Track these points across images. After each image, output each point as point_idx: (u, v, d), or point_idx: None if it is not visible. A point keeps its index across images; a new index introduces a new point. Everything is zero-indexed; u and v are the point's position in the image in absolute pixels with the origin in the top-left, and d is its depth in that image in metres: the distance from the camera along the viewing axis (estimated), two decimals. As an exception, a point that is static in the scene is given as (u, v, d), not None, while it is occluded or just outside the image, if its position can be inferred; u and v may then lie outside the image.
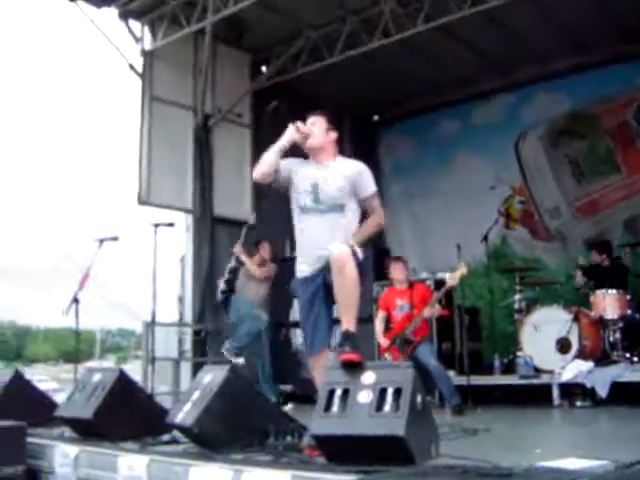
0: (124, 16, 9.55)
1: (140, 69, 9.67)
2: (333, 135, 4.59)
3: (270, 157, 4.44)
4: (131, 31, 9.70)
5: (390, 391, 3.45)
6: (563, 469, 3.18)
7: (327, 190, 4.39)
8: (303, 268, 4.44)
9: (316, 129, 4.53)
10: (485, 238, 9.09)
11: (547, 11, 9.38)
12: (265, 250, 8.93)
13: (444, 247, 9.69)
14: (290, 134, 4.49)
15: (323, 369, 4.21)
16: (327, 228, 4.32)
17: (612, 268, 8.65)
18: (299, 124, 4.50)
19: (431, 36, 9.52)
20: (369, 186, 4.46)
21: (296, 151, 4.58)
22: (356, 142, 12.01)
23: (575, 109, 10.87)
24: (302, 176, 4.48)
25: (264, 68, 10.89)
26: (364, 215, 4.55)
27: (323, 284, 4.24)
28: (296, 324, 9.91)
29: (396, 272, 7.94)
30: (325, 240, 4.22)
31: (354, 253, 4.02)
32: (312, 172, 4.48)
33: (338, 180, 4.40)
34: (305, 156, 4.61)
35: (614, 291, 8.12)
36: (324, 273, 4.17)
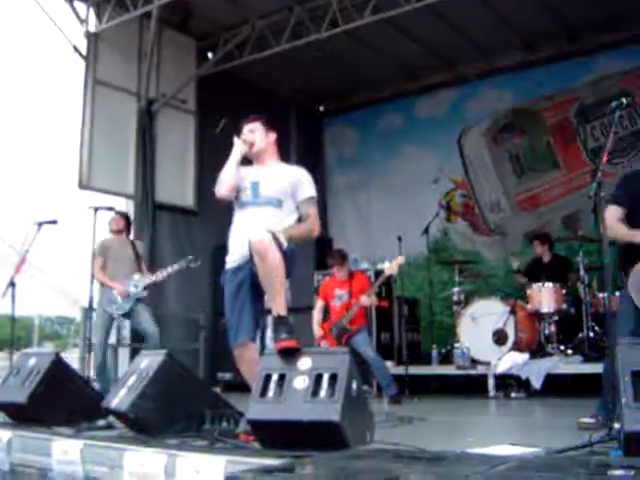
0: (69, -3, 9.39)
1: (84, 51, 9.52)
2: (272, 136, 4.67)
3: (230, 173, 4.47)
4: (76, 12, 9.53)
5: (326, 377, 3.47)
6: (493, 455, 3.25)
7: (267, 186, 4.44)
8: (231, 259, 4.47)
9: (257, 136, 4.60)
10: (426, 230, 9.22)
11: (493, 7, 9.51)
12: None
13: (386, 238, 9.76)
14: (240, 148, 4.54)
15: (249, 362, 4.28)
16: (261, 218, 4.31)
17: (553, 262, 8.82)
18: (244, 136, 4.58)
19: (378, 28, 9.57)
20: (307, 190, 4.46)
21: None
22: (302, 133, 12.04)
23: (517, 105, 11.04)
24: (244, 177, 4.52)
25: (210, 54, 10.80)
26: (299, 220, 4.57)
27: (250, 275, 4.22)
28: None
29: (339, 273, 7.96)
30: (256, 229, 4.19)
31: (276, 240, 4.00)
32: (253, 172, 4.56)
33: (279, 178, 4.46)
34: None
35: (550, 284, 8.27)
36: (250, 265, 4.14)
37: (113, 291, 7.36)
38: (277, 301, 4.00)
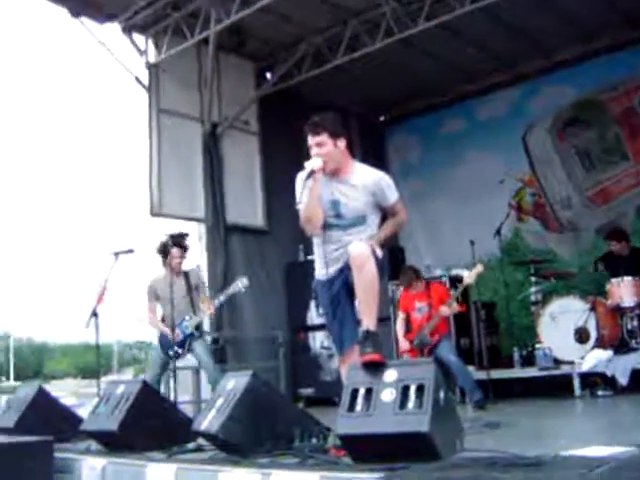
0: (127, 30, 9.62)
1: (146, 82, 9.74)
2: (342, 144, 4.38)
3: (314, 209, 4.27)
4: (135, 45, 9.77)
5: (413, 388, 3.47)
6: (589, 457, 3.20)
7: (348, 205, 4.32)
8: (323, 272, 4.42)
9: (325, 149, 4.32)
10: (498, 232, 9.11)
11: (547, 2, 9.38)
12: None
13: (457, 243, 9.71)
14: (312, 179, 4.26)
15: None
16: (349, 240, 4.23)
17: (631, 256, 8.62)
18: (314, 167, 4.26)
19: (432, 34, 9.54)
20: (391, 195, 4.39)
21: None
22: (365, 144, 12.05)
23: (580, 98, 10.85)
24: (321, 195, 4.33)
25: (269, 74, 10.93)
26: (384, 217, 4.53)
27: (344, 283, 4.24)
28: (313, 328, 9.98)
29: (416, 288, 7.97)
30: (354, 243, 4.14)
31: (373, 252, 4.03)
32: (331, 188, 4.36)
33: (359, 194, 4.32)
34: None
35: (630, 278, 8.10)
36: (345, 273, 4.17)
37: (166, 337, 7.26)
38: (369, 315, 4.00)
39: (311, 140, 4.36)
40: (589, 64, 10.63)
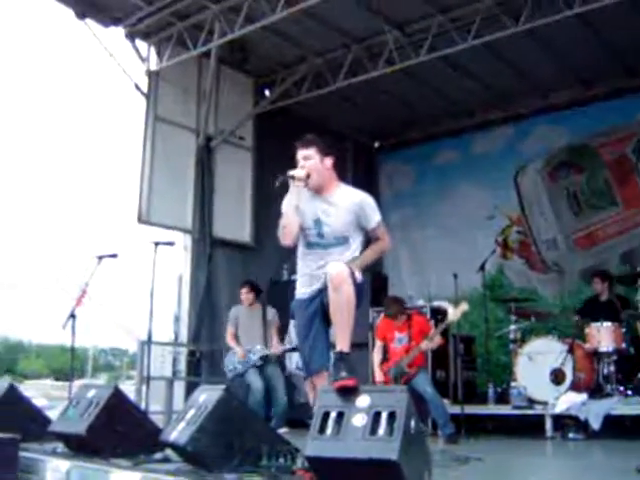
0: (131, 36, 9.64)
1: (145, 89, 9.75)
2: (329, 162, 4.46)
3: (291, 221, 4.33)
4: (137, 51, 9.80)
5: (384, 415, 3.45)
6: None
7: (331, 224, 4.34)
8: (303, 290, 4.44)
9: (311, 163, 4.39)
10: (482, 268, 9.13)
11: (549, 45, 9.49)
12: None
13: (441, 275, 9.75)
14: (296, 191, 4.35)
15: None
16: (329, 260, 4.25)
17: (611, 300, 8.65)
18: (296, 174, 4.35)
19: (434, 66, 9.63)
20: (374, 217, 4.38)
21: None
22: (357, 169, 12.10)
23: (574, 142, 10.95)
24: (304, 212, 4.39)
25: (267, 92, 10.97)
26: (367, 242, 4.53)
27: (321, 304, 4.23)
28: (291, 348, 9.92)
29: (398, 320, 7.94)
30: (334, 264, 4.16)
31: (352, 274, 4.04)
32: (314, 207, 4.41)
33: (341, 213, 4.34)
34: None
35: (609, 324, 8.13)
36: (323, 294, 4.17)
37: (235, 354, 8.28)
38: (343, 337, 4.00)
39: (299, 154, 4.45)
40: (585, 109, 10.76)
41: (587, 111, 10.73)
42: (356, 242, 4.40)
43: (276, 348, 8.34)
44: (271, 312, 8.63)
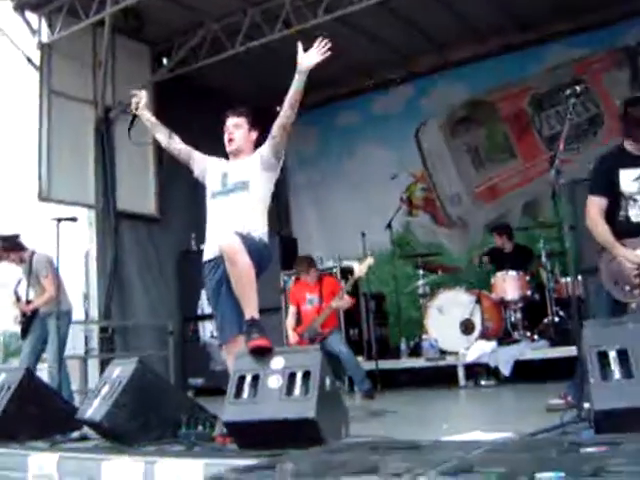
0: (20, 8, 9.27)
1: (38, 62, 9.42)
2: (254, 135, 4.68)
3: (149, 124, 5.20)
4: (28, 23, 9.42)
5: (299, 375, 3.51)
6: (468, 441, 3.31)
7: (234, 174, 4.47)
8: (207, 252, 4.48)
9: (240, 131, 4.62)
10: (389, 225, 9.29)
11: (445, 1, 9.59)
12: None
13: (349, 235, 9.84)
14: (140, 113, 5.18)
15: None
16: (232, 208, 4.37)
17: (514, 251, 8.92)
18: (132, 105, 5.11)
19: (331, 27, 9.59)
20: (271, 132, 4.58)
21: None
22: (261, 133, 12.01)
23: (473, 98, 11.13)
24: (215, 168, 4.61)
25: (165, 60, 10.74)
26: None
27: (224, 272, 4.22)
28: (204, 317, 9.92)
29: (308, 278, 7.97)
30: (229, 223, 4.26)
31: (246, 240, 4.08)
32: (225, 164, 4.61)
33: (245, 164, 4.50)
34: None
35: (514, 272, 8.40)
36: (225, 263, 4.16)
37: None
38: (249, 305, 4.02)
39: (229, 121, 4.63)
40: (482, 64, 10.92)
41: (483, 67, 10.89)
42: (260, 192, 4.47)
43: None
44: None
